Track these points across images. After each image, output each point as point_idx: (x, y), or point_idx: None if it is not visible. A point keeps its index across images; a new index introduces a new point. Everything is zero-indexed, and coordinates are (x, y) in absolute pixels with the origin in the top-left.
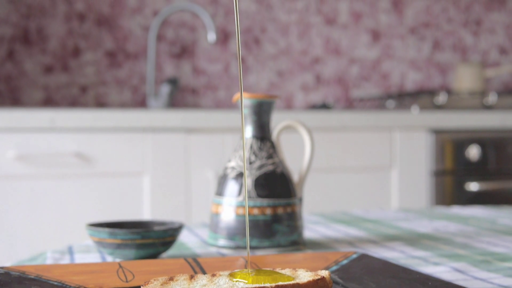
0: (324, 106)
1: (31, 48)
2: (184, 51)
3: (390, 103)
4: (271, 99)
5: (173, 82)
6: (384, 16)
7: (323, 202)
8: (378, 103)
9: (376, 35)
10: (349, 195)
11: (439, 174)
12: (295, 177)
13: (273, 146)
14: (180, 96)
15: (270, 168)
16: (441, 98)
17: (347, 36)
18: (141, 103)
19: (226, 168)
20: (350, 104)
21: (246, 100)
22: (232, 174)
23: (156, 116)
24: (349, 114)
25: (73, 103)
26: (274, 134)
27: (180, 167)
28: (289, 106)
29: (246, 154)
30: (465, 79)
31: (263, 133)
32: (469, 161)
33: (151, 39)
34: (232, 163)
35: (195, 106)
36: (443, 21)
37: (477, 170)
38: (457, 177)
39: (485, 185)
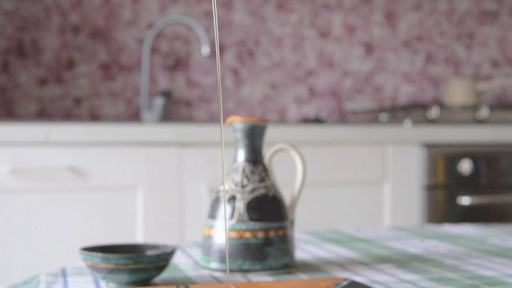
0: (317, 120)
1: (26, 60)
2: (178, 64)
3: (383, 116)
4: (264, 123)
5: (167, 94)
6: (377, 29)
7: (315, 216)
8: (371, 116)
9: (369, 48)
10: (342, 209)
11: (431, 188)
12: (287, 199)
13: (265, 169)
14: (174, 109)
15: (262, 191)
16: (434, 112)
17: (341, 49)
18: (135, 115)
19: (218, 191)
20: (343, 117)
21: (239, 124)
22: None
23: (150, 130)
24: (342, 128)
25: (67, 115)
26: (267, 157)
27: (173, 181)
28: (282, 118)
29: (238, 178)
30: (457, 92)
31: (255, 157)
32: (461, 175)
33: (145, 51)
34: (225, 186)
35: (189, 118)
36: (436, 34)
37: (469, 184)
38: (449, 191)
39: (477, 199)
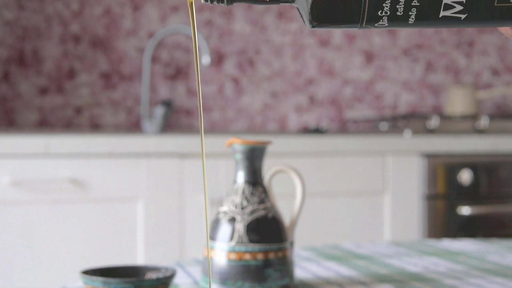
0: (317, 130)
1: (26, 70)
2: (178, 73)
3: (383, 125)
4: (263, 145)
5: (168, 104)
6: (377, 38)
7: (316, 226)
8: (372, 125)
9: (369, 57)
10: (342, 220)
11: (431, 198)
12: (286, 220)
13: (265, 191)
14: (174, 118)
15: (262, 213)
16: (434, 122)
17: (341, 57)
18: (135, 124)
19: (218, 213)
20: (343, 125)
21: (238, 146)
22: (224, 218)
23: (150, 141)
24: (342, 139)
25: (68, 124)
26: (266, 178)
27: (174, 192)
28: (282, 127)
29: (238, 199)
30: (457, 101)
31: (255, 178)
32: (461, 185)
33: (146, 60)
34: (225, 208)
35: (190, 127)
36: (436, 42)
37: (469, 194)
38: (449, 201)
39: (477, 209)
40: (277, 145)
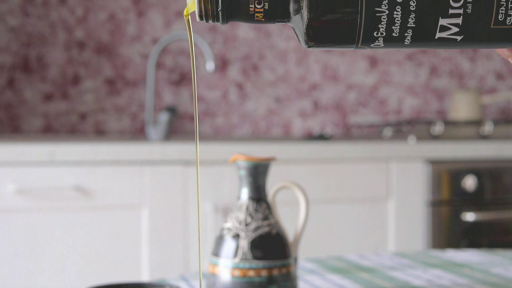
0: (321, 137)
1: (31, 76)
2: (183, 78)
3: (388, 130)
4: (267, 162)
5: (172, 110)
6: None
7: (320, 233)
8: (376, 130)
9: (373, 62)
10: (346, 226)
11: (435, 204)
12: (290, 234)
13: (269, 207)
14: (179, 123)
15: (265, 229)
16: (438, 128)
17: (345, 62)
18: (140, 130)
19: (222, 229)
20: (348, 131)
21: (242, 162)
22: (228, 235)
23: (154, 148)
24: (346, 145)
25: (73, 130)
26: (270, 194)
27: (178, 200)
28: (287, 132)
29: (242, 216)
30: (461, 106)
31: (259, 195)
32: (465, 191)
33: (150, 66)
34: (229, 224)
35: (194, 133)
36: None
37: (473, 200)
38: (453, 207)
39: (481, 215)
40: (281, 151)
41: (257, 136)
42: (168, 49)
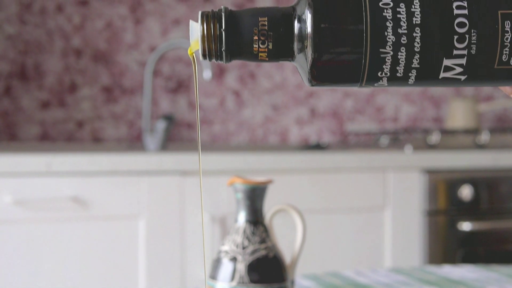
0: (318, 146)
1: (28, 84)
2: (180, 86)
3: (384, 138)
4: (264, 185)
5: (169, 118)
6: None
7: (317, 243)
8: (373, 138)
9: None
10: (343, 236)
11: (432, 214)
12: (287, 257)
13: (266, 230)
14: (176, 131)
15: (263, 253)
16: (434, 137)
17: None
18: (137, 138)
19: (219, 252)
20: (344, 138)
21: (240, 185)
22: (225, 258)
23: (151, 159)
24: (343, 155)
25: (70, 138)
26: (267, 216)
27: (175, 210)
28: (284, 140)
29: (239, 239)
30: (458, 114)
31: (256, 218)
32: (462, 200)
33: (147, 74)
34: (226, 247)
35: (191, 140)
36: None
37: (469, 210)
38: (449, 217)
39: (478, 225)
40: (278, 162)
41: (254, 144)
42: (165, 57)
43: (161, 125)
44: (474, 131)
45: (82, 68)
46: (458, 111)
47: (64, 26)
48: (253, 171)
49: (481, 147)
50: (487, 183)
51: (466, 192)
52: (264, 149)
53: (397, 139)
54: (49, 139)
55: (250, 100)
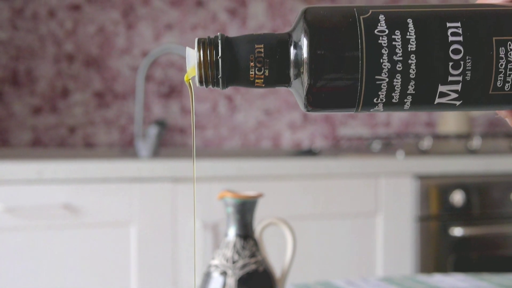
0: (310, 152)
1: (20, 90)
2: (172, 91)
3: (377, 143)
4: (255, 199)
5: (161, 124)
6: None
7: (309, 248)
8: (365, 143)
9: None
10: (335, 242)
11: (423, 219)
12: (277, 270)
13: (256, 244)
14: (168, 136)
15: (253, 267)
16: (426, 142)
17: None
18: (129, 143)
19: (209, 266)
20: (337, 143)
21: (230, 200)
22: (215, 272)
23: (143, 165)
24: (335, 161)
25: (62, 143)
26: (257, 230)
27: (167, 217)
28: (276, 145)
29: (230, 253)
30: (450, 120)
31: (246, 232)
32: (454, 206)
33: (140, 79)
34: (216, 261)
35: (183, 145)
36: None
37: (461, 215)
38: (441, 222)
39: (469, 230)
40: (270, 167)
41: (246, 149)
42: (157, 62)
43: (153, 131)
44: (466, 136)
45: (74, 73)
46: (450, 116)
47: (56, 31)
48: (246, 177)
49: (473, 152)
50: (479, 188)
51: (458, 197)
52: (256, 154)
53: (389, 144)
54: (41, 144)
55: (243, 105)
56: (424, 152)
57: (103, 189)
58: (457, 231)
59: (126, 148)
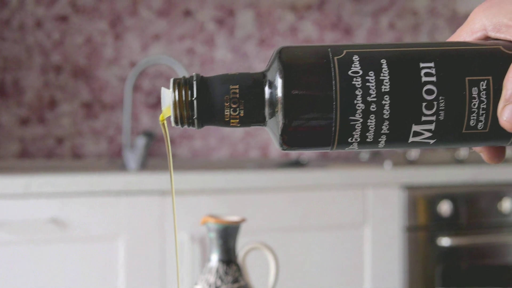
0: (297, 163)
1: (7, 101)
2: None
3: (365, 153)
4: (237, 224)
5: (149, 135)
6: None
7: (298, 259)
8: (353, 153)
9: None
10: (323, 253)
11: (411, 230)
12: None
13: (239, 269)
14: (156, 146)
15: None
16: (414, 153)
17: None
18: (117, 153)
19: None
20: (325, 152)
21: (212, 225)
22: None
23: (131, 178)
24: (322, 172)
25: (49, 154)
26: (240, 255)
27: (154, 230)
28: (264, 154)
29: (212, 279)
30: None
31: (229, 257)
32: (441, 216)
33: (128, 90)
34: (199, 287)
35: (172, 156)
36: None
37: (449, 225)
38: (429, 233)
39: (457, 240)
40: (257, 179)
41: (234, 159)
42: (145, 72)
43: (141, 142)
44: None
45: (62, 84)
46: None
47: (43, 42)
48: (234, 190)
49: (460, 162)
50: (466, 198)
51: (445, 207)
52: (244, 165)
53: (377, 154)
54: (29, 156)
55: None
56: (411, 163)
57: (91, 203)
58: (445, 241)
59: (114, 158)
